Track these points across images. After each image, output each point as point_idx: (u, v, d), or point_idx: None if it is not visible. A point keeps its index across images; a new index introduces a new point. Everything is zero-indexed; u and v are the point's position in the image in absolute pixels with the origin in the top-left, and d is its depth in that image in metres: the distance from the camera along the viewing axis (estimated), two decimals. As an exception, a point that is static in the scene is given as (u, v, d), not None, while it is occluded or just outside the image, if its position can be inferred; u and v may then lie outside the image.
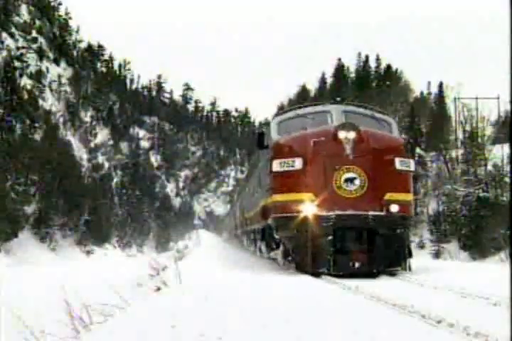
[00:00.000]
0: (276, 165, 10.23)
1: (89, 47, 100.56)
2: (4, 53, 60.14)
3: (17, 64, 59.34)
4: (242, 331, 4.39)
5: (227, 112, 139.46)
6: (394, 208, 9.89)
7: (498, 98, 31.59)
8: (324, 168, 9.92)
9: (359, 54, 64.93)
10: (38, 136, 43.31)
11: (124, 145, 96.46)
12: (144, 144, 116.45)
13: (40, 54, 73.49)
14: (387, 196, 9.99)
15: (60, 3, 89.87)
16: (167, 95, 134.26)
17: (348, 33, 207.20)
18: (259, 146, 12.20)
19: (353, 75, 63.80)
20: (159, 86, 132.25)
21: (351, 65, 65.77)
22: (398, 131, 12.12)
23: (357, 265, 9.63)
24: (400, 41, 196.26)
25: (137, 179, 68.55)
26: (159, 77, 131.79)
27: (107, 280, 9.14)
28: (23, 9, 76.26)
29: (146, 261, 13.00)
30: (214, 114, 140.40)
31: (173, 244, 60.30)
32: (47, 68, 73.87)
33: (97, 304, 6.51)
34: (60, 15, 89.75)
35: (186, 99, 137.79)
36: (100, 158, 77.35)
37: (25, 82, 60.31)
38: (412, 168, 10.62)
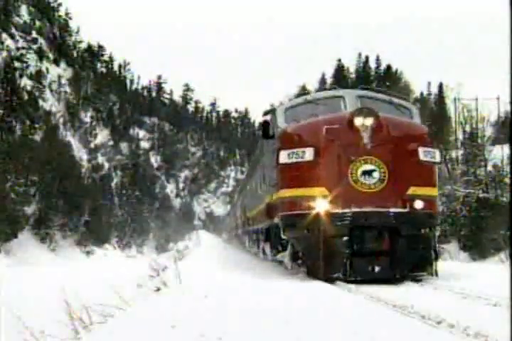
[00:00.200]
0: (284, 157, 9.10)
1: (89, 47, 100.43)
2: (4, 54, 60.07)
3: (17, 64, 59.22)
4: (242, 331, 4.39)
5: (227, 113, 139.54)
6: (418, 204, 8.81)
7: (498, 98, 31.68)
8: (338, 159, 8.85)
9: (359, 54, 65.30)
10: (37, 137, 43.18)
11: (124, 146, 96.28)
12: (144, 145, 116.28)
13: (40, 54, 73.45)
14: (411, 190, 8.91)
15: (60, 4, 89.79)
16: (167, 96, 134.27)
17: (348, 34, 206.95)
18: (264, 136, 10.74)
19: (353, 76, 63.98)
20: (159, 86, 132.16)
21: (351, 65, 66.10)
22: (420, 118, 10.89)
23: (377, 269, 8.62)
24: (399, 42, 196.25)
25: (137, 179, 68.41)
26: (159, 77, 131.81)
27: (106, 280, 9.12)
28: (23, 10, 76.25)
29: (145, 262, 12.97)
30: (214, 114, 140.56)
31: (173, 245, 60.26)
32: (47, 69, 73.81)
33: (96, 304, 6.50)
34: (60, 16, 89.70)
35: (186, 100, 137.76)
36: (100, 159, 77.21)
37: (25, 82, 60.20)
38: (438, 158, 9.51)
